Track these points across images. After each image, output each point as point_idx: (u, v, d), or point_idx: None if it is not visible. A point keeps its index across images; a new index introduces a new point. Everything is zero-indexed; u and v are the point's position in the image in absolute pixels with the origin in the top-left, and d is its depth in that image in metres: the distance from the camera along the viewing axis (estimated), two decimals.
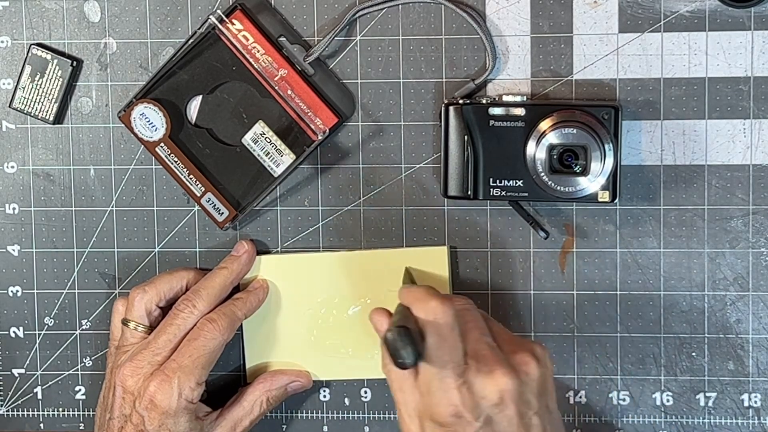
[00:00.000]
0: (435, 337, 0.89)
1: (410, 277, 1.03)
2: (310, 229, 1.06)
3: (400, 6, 1.03)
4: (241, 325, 1.05)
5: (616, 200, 0.98)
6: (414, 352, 0.86)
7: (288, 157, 1.02)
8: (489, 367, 0.89)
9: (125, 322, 1.02)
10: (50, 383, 1.09)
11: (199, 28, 1.03)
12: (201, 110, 1.04)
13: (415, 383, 0.90)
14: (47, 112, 1.06)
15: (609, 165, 0.97)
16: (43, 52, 1.05)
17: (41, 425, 1.10)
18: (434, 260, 1.04)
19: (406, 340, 0.87)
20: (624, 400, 1.04)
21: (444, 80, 1.03)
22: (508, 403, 0.88)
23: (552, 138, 0.97)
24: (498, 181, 0.99)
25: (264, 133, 1.02)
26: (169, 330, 1.00)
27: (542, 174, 0.97)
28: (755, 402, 1.03)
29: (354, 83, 1.04)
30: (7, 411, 1.10)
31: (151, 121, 1.03)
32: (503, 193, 0.99)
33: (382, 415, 1.07)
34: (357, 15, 1.03)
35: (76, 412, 1.09)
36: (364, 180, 1.05)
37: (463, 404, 0.88)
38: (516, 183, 0.99)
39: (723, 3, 0.99)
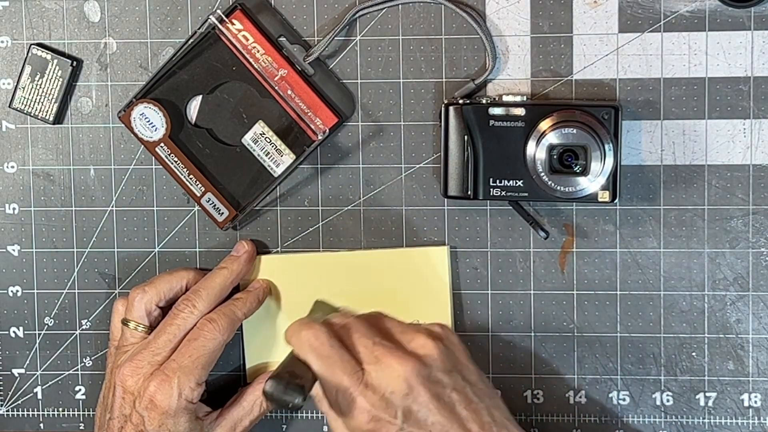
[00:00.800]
0: (318, 362, 0.90)
1: (325, 309, 1.03)
2: (310, 229, 1.06)
3: (400, 6, 1.03)
4: (241, 325, 1.05)
5: (616, 200, 0.98)
6: (296, 392, 0.87)
7: (288, 157, 1.02)
8: (385, 362, 0.89)
9: (125, 322, 1.02)
10: (50, 383, 1.09)
11: (199, 28, 1.03)
12: (201, 110, 1.04)
13: (330, 410, 0.91)
14: (47, 112, 1.06)
15: (609, 165, 0.97)
16: (43, 52, 1.05)
17: (41, 425, 1.10)
18: (434, 260, 1.04)
19: (281, 386, 0.87)
20: (624, 400, 1.04)
21: (444, 80, 1.03)
22: (417, 387, 0.88)
23: (552, 138, 0.97)
24: (498, 181, 0.99)
25: (264, 133, 1.02)
26: (169, 330, 0.99)
27: (542, 174, 0.97)
28: (755, 402, 1.03)
29: (354, 83, 1.04)
30: (7, 411, 1.10)
31: (151, 121, 1.03)
32: (503, 193, 0.99)
33: None
34: (357, 15, 1.03)
35: (76, 412, 1.09)
36: (364, 180, 1.05)
37: (374, 406, 0.88)
38: (516, 183, 0.99)
39: (723, 3, 0.99)
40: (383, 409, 0.88)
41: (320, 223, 1.05)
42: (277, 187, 1.05)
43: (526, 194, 0.99)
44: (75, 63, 1.05)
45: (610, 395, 1.04)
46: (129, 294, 1.03)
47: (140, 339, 1.01)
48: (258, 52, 1.02)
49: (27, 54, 1.05)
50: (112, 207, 1.07)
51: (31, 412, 1.10)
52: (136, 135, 1.04)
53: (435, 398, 0.89)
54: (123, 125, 1.04)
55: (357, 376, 0.89)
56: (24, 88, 1.06)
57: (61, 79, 1.05)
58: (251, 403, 1.03)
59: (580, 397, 1.05)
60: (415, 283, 1.04)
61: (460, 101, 1.00)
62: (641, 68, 1.01)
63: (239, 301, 1.02)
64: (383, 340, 0.91)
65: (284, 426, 1.08)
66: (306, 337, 0.91)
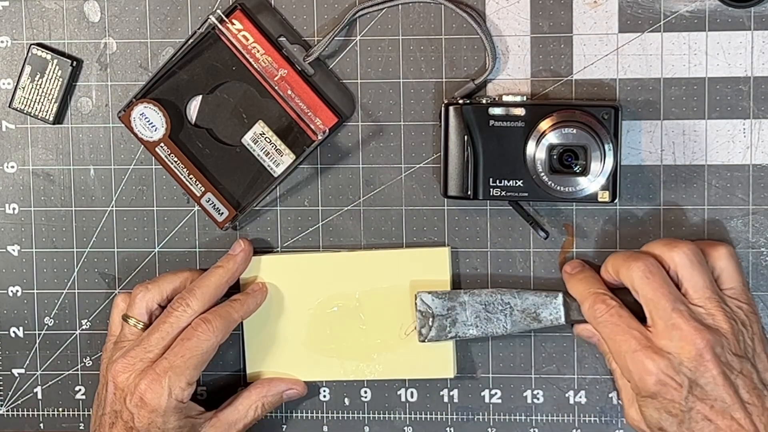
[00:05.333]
0: (604, 327, 0.96)
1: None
2: (310, 229, 1.06)
3: (400, 6, 1.03)
4: (242, 326, 1.05)
5: (616, 200, 0.98)
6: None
7: (288, 157, 1.02)
8: (682, 330, 0.91)
9: (125, 318, 1.02)
10: (50, 383, 1.09)
11: (199, 28, 1.03)
12: (201, 110, 1.04)
13: (616, 367, 0.97)
14: (47, 112, 1.06)
15: (609, 165, 0.97)
16: (43, 52, 1.05)
17: (41, 425, 1.10)
18: (435, 261, 1.04)
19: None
20: None
21: (444, 80, 1.03)
22: (708, 362, 0.90)
23: (552, 138, 0.97)
24: (498, 181, 0.99)
25: (264, 133, 1.02)
26: (162, 328, 0.99)
27: (542, 174, 0.97)
28: None
29: (354, 83, 1.04)
30: (7, 411, 1.10)
31: (151, 121, 1.03)
32: (503, 193, 0.99)
33: (382, 415, 1.07)
34: (357, 15, 1.03)
35: (76, 412, 1.10)
36: (364, 180, 1.05)
37: (662, 370, 0.91)
38: (516, 183, 0.99)
39: (723, 3, 0.99)
40: (672, 375, 0.91)
41: (320, 223, 1.05)
42: (277, 187, 1.05)
43: (526, 194, 0.99)
44: (75, 63, 1.05)
45: (610, 395, 1.04)
46: (132, 291, 1.03)
47: (138, 336, 1.01)
48: (258, 52, 1.02)
49: (27, 54, 1.05)
50: (112, 207, 1.07)
51: (31, 412, 1.10)
52: (136, 135, 1.04)
53: (722, 376, 0.90)
54: (123, 125, 1.04)
55: (645, 340, 0.92)
56: (24, 88, 1.06)
57: (61, 79, 1.05)
58: (247, 407, 1.03)
59: (580, 397, 1.05)
60: (416, 283, 1.04)
61: (460, 101, 1.00)
62: (641, 68, 1.01)
63: (236, 302, 1.02)
64: (682, 304, 0.92)
65: (284, 426, 1.08)
66: (599, 310, 0.95)
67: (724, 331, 0.92)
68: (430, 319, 1.02)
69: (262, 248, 1.06)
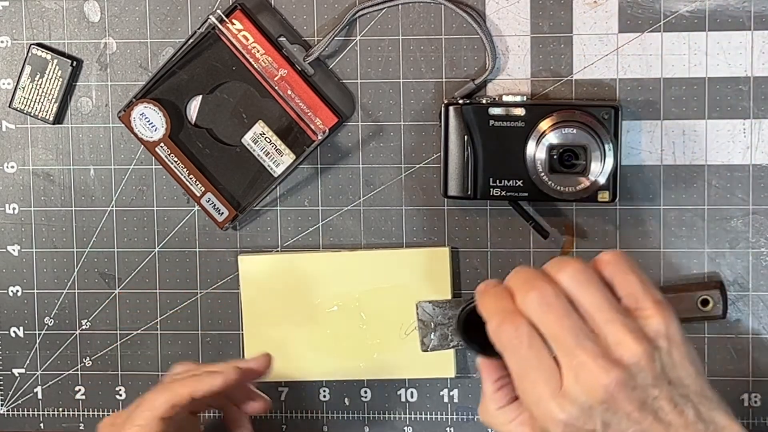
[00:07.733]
0: (514, 361, 0.81)
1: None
2: (310, 229, 1.06)
3: (400, 6, 1.03)
4: (242, 326, 1.05)
5: (616, 200, 0.98)
6: (474, 349, 0.87)
7: (288, 157, 1.03)
8: (587, 370, 0.79)
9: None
10: (50, 383, 1.09)
11: (199, 28, 1.03)
12: (201, 110, 1.04)
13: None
14: (47, 112, 1.06)
15: (609, 165, 0.97)
16: (43, 52, 1.05)
17: (41, 425, 1.10)
18: (436, 261, 1.04)
19: (463, 334, 0.88)
20: None
21: (444, 80, 1.03)
22: (621, 401, 0.78)
23: (552, 138, 0.97)
24: (498, 181, 0.99)
25: (264, 133, 1.02)
26: None
27: (542, 174, 0.97)
28: (755, 402, 1.03)
29: (354, 83, 1.04)
30: (7, 411, 1.10)
31: (151, 121, 1.03)
32: (503, 193, 0.99)
33: (382, 415, 1.07)
34: (357, 15, 1.03)
35: (76, 412, 1.10)
36: (364, 180, 1.05)
37: (571, 417, 0.79)
38: (516, 183, 0.99)
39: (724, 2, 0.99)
40: (581, 422, 0.79)
41: (320, 223, 1.05)
42: (277, 187, 1.05)
43: (526, 194, 0.99)
44: (75, 63, 1.05)
45: None
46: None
47: None
48: (258, 52, 1.02)
49: (27, 54, 1.05)
50: (112, 207, 1.07)
51: (31, 412, 1.10)
52: (136, 135, 1.04)
53: (638, 409, 0.78)
54: (123, 125, 1.04)
55: (554, 382, 0.79)
56: (24, 88, 1.06)
57: (61, 79, 1.05)
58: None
59: None
60: (416, 283, 1.04)
61: (460, 101, 1.00)
62: (641, 68, 1.01)
63: (190, 379, 0.95)
64: (586, 339, 0.79)
65: (284, 426, 1.08)
66: (506, 332, 0.80)
67: (637, 358, 0.78)
68: (432, 329, 1.01)
69: (262, 248, 1.06)
